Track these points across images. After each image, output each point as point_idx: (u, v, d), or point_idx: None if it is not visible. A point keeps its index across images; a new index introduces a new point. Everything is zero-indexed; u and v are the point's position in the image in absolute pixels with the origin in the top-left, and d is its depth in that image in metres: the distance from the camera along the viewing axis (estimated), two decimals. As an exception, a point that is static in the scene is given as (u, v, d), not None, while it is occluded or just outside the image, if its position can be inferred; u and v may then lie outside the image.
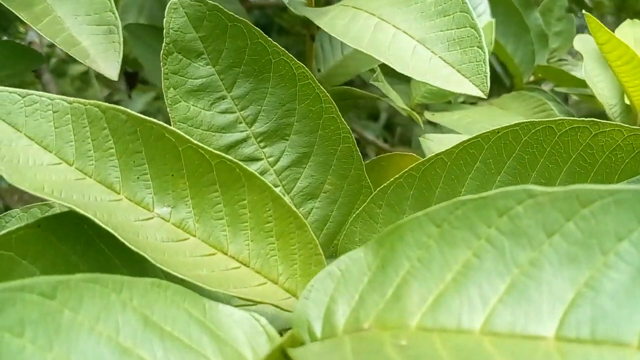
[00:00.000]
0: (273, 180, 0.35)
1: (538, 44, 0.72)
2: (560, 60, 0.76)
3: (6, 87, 0.26)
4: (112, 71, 0.38)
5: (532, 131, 0.30)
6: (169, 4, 0.31)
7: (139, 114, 0.25)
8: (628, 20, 0.61)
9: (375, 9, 0.40)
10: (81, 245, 0.25)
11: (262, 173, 0.35)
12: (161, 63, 0.31)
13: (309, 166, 0.35)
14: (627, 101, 0.55)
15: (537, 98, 0.60)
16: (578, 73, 0.69)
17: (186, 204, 0.26)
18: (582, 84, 0.63)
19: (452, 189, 0.31)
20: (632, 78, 0.50)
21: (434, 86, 0.56)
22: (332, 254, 0.36)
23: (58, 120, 0.26)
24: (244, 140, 0.34)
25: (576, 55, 0.77)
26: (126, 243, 0.22)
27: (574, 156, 0.30)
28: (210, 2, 0.32)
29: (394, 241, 0.20)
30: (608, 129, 0.29)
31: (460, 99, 0.64)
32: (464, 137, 0.45)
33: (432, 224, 0.20)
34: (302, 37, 0.65)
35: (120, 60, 0.39)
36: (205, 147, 0.26)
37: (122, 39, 0.40)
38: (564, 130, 0.29)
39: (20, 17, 0.39)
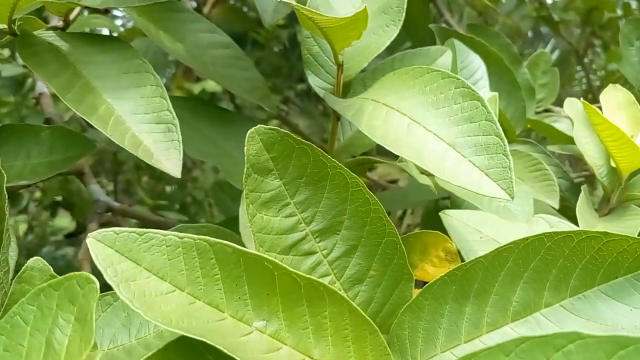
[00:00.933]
0: (326, 270, 0.40)
1: (526, 97, 0.79)
2: (546, 110, 0.84)
3: (126, 228, 0.30)
4: (175, 169, 0.43)
5: (555, 239, 0.36)
6: (247, 133, 0.36)
7: (243, 249, 0.30)
8: (611, 86, 0.68)
9: (407, 108, 0.46)
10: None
11: (318, 264, 0.40)
12: (243, 185, 0.36)
13: (356, 256, 0.41)
14: (612, 164, 0.62)
15: (532, 157, 0.67)
16: (562, 126, 0.77)
17: (278, 317, 0.31)
18: (570, 140, 0.70)
19: (488, 284, 0.37)
20: (620, 150, 0.57)
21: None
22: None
23: (171, 253, 0.31)
24: (303, 238, 0.39)
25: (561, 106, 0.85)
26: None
27: (587, 256, 0.36)
28: (282, 130, 0.37)
29: (473, 368, 0.26)
30: (617, 239, 0.35)
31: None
32: (481, 214, 0.52)
33: (502, 353, 0.25)
34: (274, 52, 0.69)
35: (181, 157, 0.44)
36: (297, 271, 0.31)
37: (180, 137, 0.45)
38: (581, 238, 0.36)
39: (92, 124, 0.43)
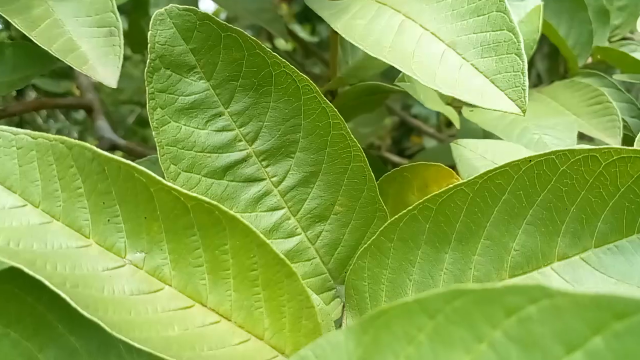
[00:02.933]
0: (277, 202, 0.32)
1: (597, 21, 0.65)
2: (623, 39, 0.68)
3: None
4: (111, 79, 0.36)
5: (572, 160, 0.25)
6: (153, 15, 0.28)
7: (105, 152, 0.22)
8: None
9: (401, 4, 0.35)
10: (47, 294, 0.22)
11: (265, 194, 0.31)
12: (145, 82, 0.28)
13: (317, 186, 0.32)
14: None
15: (592, 87, 0.54)
16: (642, 55, 0.62)
17: (161, 249, 0.23)
18: (648, 70, 0.56)
19: (475, 223, 0.27)
20: None
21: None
22: (343, 282, 0.33)
23: (22, 157, 0.23)
24: (244, 159, 0.31)
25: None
26: (81, 310, 0.19)
27: (622, 189, 0.25)
28: (201, 11, 0.28)
29: (380, 329, 0.16)
30: (667, 161, 0.24)
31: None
32: (502, 143, 0.41)
33: (424, 314, 0.16)
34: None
35: (120, 65, 0.36)
36: (179, 188, 0.22)
37: (122, 42, 0.37)
38: (611, 160, 0.24)
39: (14, 24, 0.36)
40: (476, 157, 0.38)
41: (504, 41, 0.31)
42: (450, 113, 0.49)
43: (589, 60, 0.66)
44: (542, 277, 0.26)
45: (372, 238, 0.28)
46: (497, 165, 0.25)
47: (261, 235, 0.23)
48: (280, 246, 0.32)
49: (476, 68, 0.31)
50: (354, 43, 0.33)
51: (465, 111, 0.50)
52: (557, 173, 0.25)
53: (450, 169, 0.38)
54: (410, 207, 0.27)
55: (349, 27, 0.35)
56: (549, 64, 0.66)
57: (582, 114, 0.53)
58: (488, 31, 0.31)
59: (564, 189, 0.25)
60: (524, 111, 0.29)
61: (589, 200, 0.25)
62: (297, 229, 0.32)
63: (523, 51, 0.30)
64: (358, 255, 0.29)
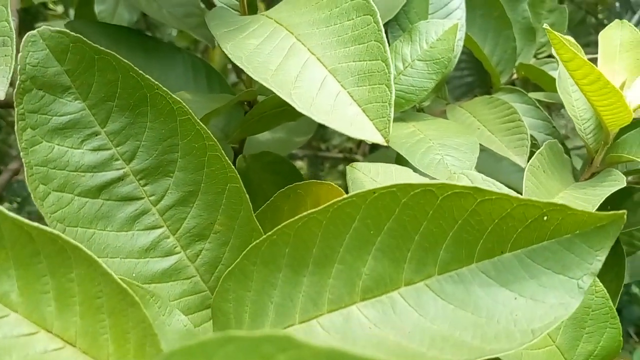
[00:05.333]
0: (155, 221, 0.32)
1: (524, 39, 0.67)
2: (549, 56, 0.70)
3: None
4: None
5: (411, 193, 0.26)
6: (24, 37, 0.28)
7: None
8: (617, 21, 0.55)
9: (295, 26, 0.37)
10: None
11: (143, 213, 0.32)
12: (15, 103, 0.29)
13: (196, 205, 0.33)
14: (599, 119, 0.50)
15: (508, 105, 0.56)
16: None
17: (9, 276, 0.24)
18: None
19: (330, 249, 0.28)
20: (600, 98, 0.45)
21: (399, 88, 0.53)
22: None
23: None
24: (121, 178, 0.32)
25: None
26: None
27: (459, 222, 0.26)
28: (73, 34, 0.29)
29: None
30: (494, 197, 0.25)
31: (427, 103, 0.59)
32: (393, 167, 0.42)
33: (204, 357, 0.17)
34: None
35: (9, 77, 0.37)
36: (20, 218, 0.23)
37: (14, 52, 0.38)
38: (446, 195, 0.26)
39: None
40: (367, 180, 0.40)
41: (377, 71, 0.32)
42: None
43: (514, 76, 0.68)
44: (389, 301, 0.28)
45: (236, 261, 0.29)
46: (345, 196, 0.27)
47: (103, 265, 0.24)
48: (157, 265, 0.32)
49: (351, 96, 0.32)
50: (239, 65, 0.34)
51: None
52: (400, 205, 0.27)
53: (341, 190, 0.39)
54: (271, 232, 0.28)
55: (239, 47, 0.36)
56: (475, 77, 0.68)
57: (496, 130, 0.55)
58: (365, 60, 0.33)
59: (407, 219, 0.27)
60: (387, 141, 0.30)
61: (431, 230, 0.27)
62: (176, 247, 0.33)
63: (392, 82, 0.31)
64: (223, 277, 0.30)
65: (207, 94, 0.52)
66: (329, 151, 1.25)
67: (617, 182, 0.44)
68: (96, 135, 0.31)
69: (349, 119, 0.31)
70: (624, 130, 0.49)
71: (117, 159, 0.31)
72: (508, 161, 0.55)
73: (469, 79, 0.68)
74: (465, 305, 0.27)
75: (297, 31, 0.36)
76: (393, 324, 0.27)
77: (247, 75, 0.51)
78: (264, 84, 0.33)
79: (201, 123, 0.31)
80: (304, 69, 0.34)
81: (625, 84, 0.48)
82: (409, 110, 0.55)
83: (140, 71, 0.30)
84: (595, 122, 0.51)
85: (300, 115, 0.56)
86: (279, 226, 0.28)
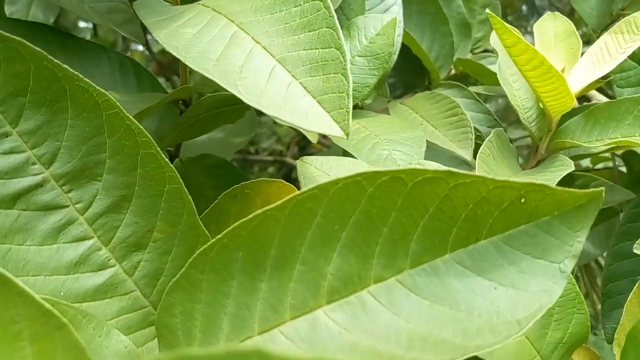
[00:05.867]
0: (84, 231, 0.28)
1: (460, 34, 0.67)
2: (485, 51, 0.71)
3: None
4: None
5: (378, 182, 0.24)
6: None
7: None
8: (549, 13, 0.55)
9: (236, 14, 0.33)
10: None
11: (69, 223, 0.28)
12: None
13: (130, 211, 0.29)
14: (542, 105, 0.50)
15: (449, 99, 0.55)
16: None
17: None
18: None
19: (289, 249, 0.25)
20: (543, 84, 0.44)
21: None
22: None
23: None
24: (40, 185, 0.27)
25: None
26: None
27: (431, 209, 0.24)
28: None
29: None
30: (468, 181, 0.23)
31: (369, 100, 0.58)
32: (346, 160, 0.40)
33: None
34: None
35: None
36: None
37: None
38: (416, 181, 0.23)
39: None
40: (320, 175, 0.37)
41: (331, 59, 0.29)
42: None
43: (452, 71, 0.67)
44: (359, 301, 0.25)
45: (182, 271, 0.26)
46: (305, 189, 0.24)
47: (20, 284, 0.20)
48: (89, 280, 0.28)
49: (304, 87, 0.29)
50: (176, 55, 0.31)
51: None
52: (366, 195, 0.24)
53: (292, 186, 0.36)
54: (220, 235, 0.25)
55: (173, 36, 0.32)
56: (415, 75, 0.67)
57: (439, 125, 0.54)
58: (317, 48, 0.30)
59: (374, 210, 0.24)
60: (347, 134, 0.28)
61: (400, 221, 0.24)
62: (109, 259, 0.29)
63: (349, 71, 0.29)
64: (167, 290, 0.26)
65: (137, 94, 0.47)
66: (258, 154, 1.22)
67: (565, 166, 0.44)
68: (7, 137, 0.26)
69: (304, 112, 0.28)
70: (566, 117, 0.49)
71: (33, 163, 0.27)
72: (445, 156, 0.54)
73: (408, 76, 0.67)
74: (441, 300, 0.24)
75: (238, 19, 0.33)
76: (365, 327, 0.25)
77: (182, 71, 0.47)
78: (206, 74, 0.29)
79: (132, 118, 0.27)
80: (249, 58, 0.30)
81: (564, 71, 0.48)
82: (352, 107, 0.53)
83: (57, 61, 0.26)
84: (538, 110, 0.51)
85: (240, 116, 0.53)
86: (230, 228, 0.25)
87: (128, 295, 0.29)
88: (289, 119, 0.27)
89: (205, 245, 0.25)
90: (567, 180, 0.54)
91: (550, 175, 0.42)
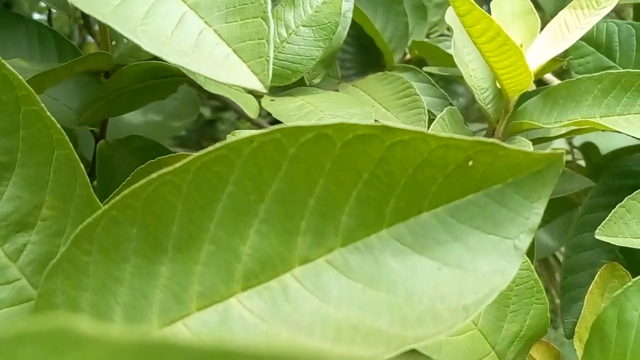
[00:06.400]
0: (-48, 207, 0.23)
1: (415, 16, 0.64)
2: (441, 35, 0.68)
3: None
4: None
5: (302, 140, 0.20)
6: None
7: None
8: (506, -9, 0.52)
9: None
10: None
11: None
12: None
13: (13, 183, 0.24)
14: (499, 85, 0.47)
15: (403, 80, 0.51)
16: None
17: None
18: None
19: (195, 225, 0.21)
20: (500, 58, 0.41)
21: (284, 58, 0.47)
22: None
23: None
24: None
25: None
26: None
27: (365, 175, 0.20)
28: None
29: None
30: (407, 137, 0.19)
31: (317, 80, 0.54)
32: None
33: None
34: None
35: None
36: None
37: None
38: (347, 140, 0.20)
39: None
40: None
41: (250, 2, 0.25)
42: (248, 101, 0.43)
43: (408, 56, 0.64)
44: (280, 286, 0.21)
45: (62, 250, 0.21)
46: (211, 148, 0.20)
47: None
48: (-41, 266, 0.23)
49: (219, 35, 0.25)
50: (70, 1, 0.26)
51: (265, 100, 0.44)
52: (288, 157, 0.20)
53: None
54: (108, 206, 0.20)
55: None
56: (368, 56, 0.64)
57: (392, 107, 0.50)
58: (236, -10, 0.26)
59: (297, 176, 0.20)
60: (266, 87, 0.23)
61: (329, 189, 0.20)
62: (-13, 243, 0.24)
63: (270, 15, 0.25)
64: (46, 274, 0.21)
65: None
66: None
67: (524, 147, 0.41)
68: None
69: (217, 62, 0.24)
70: (524, 98, 0.47)
71: None
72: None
73: (363, 59, 0.64)
74: (377, 283, 0.21)
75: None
76: (286, 317, 0.21)
77: (102, 39, 0.42)
78: (101, 19, 0.25)
79: (9, 67, 0.22)
80: (156, 3, 0.26)
81: (522, 47, 0.45)
82: (298, 86, 0.49)
83: None
84: (495, 91, 0.48)
85: (172, 91, 0.48)
86: (119, 196, 0.20)
87: (11, 284, 0.25)
88: (199, 68, 0.23)
89: (90, 219, 0.20)
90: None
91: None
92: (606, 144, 0.76)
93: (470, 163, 0.20)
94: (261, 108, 0.45)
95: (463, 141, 0.19)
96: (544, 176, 0.20)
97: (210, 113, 1.29)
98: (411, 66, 0.59)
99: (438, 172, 0.20)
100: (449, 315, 0.19)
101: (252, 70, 0.24)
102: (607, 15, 0.48)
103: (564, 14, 0.45)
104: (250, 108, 0.43)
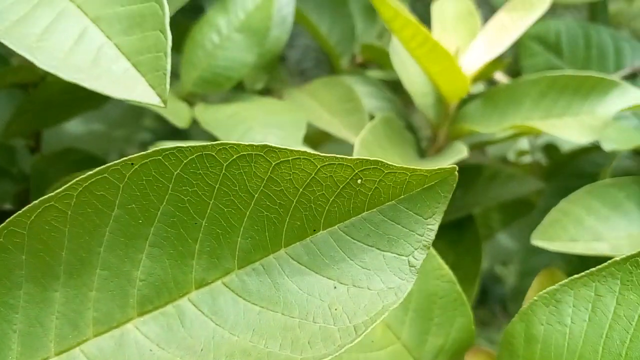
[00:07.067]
0: None
1: (364, 19, 0.63)
2: (392, 37, 0.68)
3: None
4: None
5: (185, 162, 0.19)
6: None
7: None
8: (448, -8, 0.53)
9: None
10: None
11: None
12: None
13: None
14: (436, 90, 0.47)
15: (346, 85, 0.51)
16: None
17: None
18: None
19: (85, 250, 0.20)
20: (432, 63, 0.41)
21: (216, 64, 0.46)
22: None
23: None
24: None
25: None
26: None
27: (256, 195, 0.20)
28: None
29: None
30: (291, 158, 0.19)
31: (259, 85, 0.53)
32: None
33: None
34: None
35: None
36: None
37: None
38: (231, 160, 0.19)
39: None
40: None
41: (150, 14, 0.25)
42: (178, 110, 0.43)
43: (359, 59, 0.64)
44: (176, 311, 0.21)
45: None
46: (92, 171, 0.19)
47: None
48: None
49: (119, 48, 0.25)
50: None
51: (198, 108, 0.44)
52: (173, 179, 0.19)
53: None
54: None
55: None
56: (317, 61, 0.64)
57: (337, 112, 0.50)
58: (137, 3, 0.25)
59: (185, 198, 0.20)
60: (164, 101, 0.23)
61: (221, 210, 0.20)
62: None
63: (167, 27, 0.24)
64: None
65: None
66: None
67: (459, 152, 0.41)
68: None
69: (115, 77, 0.24)
70: (466, 102, 0.47)
71: None
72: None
73: (310, 64, 0.63)
74: (273, 305, 0.20)
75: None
76: (181, 342, 0.20)
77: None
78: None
79: None
80: (58, 18, 0.25)
81: (459, 50, 0.45)
82: (236, 92, 0.48)
83: None
84: (435, 96, 0.48)
85: (105, 100, 0.47)
86: (5, 223, 0.19)
87: None
88: (92, 85, 0.22)
89: (-26, 248, 0.20)
90: (474, 173, 0.52)
91: (442, 163, 0.39)
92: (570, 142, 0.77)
93: (359, 181, 0.20)
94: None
95: (348, 159, 0.19)
96: (436, 192, 0.20)
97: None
98: (359, 70, 0.59)
99: (328, 191, 0.20)
100: (340, 336, 0.19)
101: (150, 84, 0.23)
102: (562, 15, 0.48)
103: (500, 16, 0.46)
104: (180, 118, 0.42)
